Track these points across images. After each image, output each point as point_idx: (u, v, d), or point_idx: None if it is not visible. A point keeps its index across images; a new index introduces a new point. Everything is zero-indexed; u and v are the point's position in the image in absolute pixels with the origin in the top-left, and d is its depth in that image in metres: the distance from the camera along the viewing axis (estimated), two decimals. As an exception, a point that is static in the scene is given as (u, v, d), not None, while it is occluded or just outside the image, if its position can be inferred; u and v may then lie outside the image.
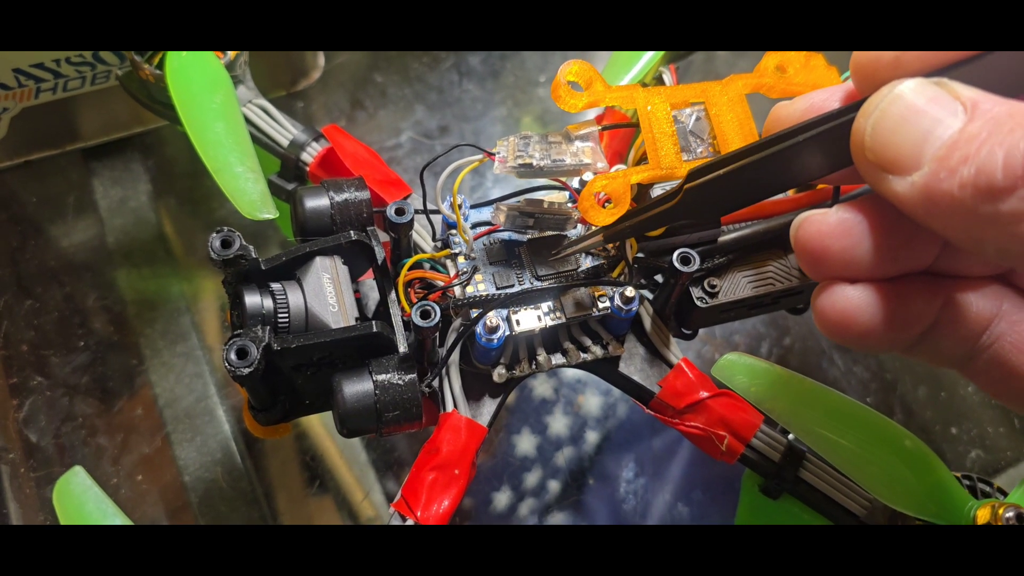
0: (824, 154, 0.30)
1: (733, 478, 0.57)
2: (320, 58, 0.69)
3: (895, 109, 0.27)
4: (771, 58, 0.41)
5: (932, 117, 0.26)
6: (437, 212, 0.44)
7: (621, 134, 0.51)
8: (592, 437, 0.59)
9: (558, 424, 0.59)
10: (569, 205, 0.43)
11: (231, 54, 0.49)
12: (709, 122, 0.40)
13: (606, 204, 0.39)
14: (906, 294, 0.31)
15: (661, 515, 0.57)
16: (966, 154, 0.25)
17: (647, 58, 0.49)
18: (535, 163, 0.39)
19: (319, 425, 0.58)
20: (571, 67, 0.39)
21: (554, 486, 0.57)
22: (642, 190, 0.46)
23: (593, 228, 0.41)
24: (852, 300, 0.30)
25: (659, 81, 0.50)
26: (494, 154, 0.41)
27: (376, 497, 0.56)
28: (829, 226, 0.30)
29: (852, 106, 0.29)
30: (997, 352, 0.32)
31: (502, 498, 0.57)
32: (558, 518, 0.57)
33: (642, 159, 0.41)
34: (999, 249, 0.26)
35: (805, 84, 0.41)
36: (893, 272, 0.31)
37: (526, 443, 0.59)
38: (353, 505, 0.55)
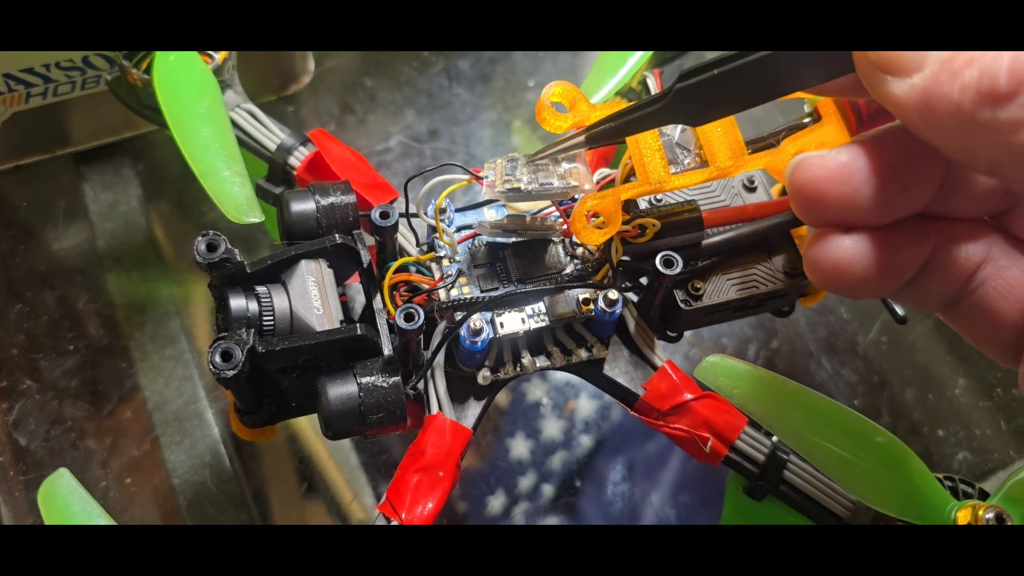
0: (823, 58, 0.29)
1: (721, 481, 0.57)
2: (310, 62, 0.69)
3: None
4: (790, 145, 0.39)
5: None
6: (417, 216, 0.44)
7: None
8: (585, 441, 0.59)
9: (551, 428, 0.59)
10: (552, 219, 0.44)
11: (219, 59, 0.49)
12: (695, 133, 0.40)
13: (600, 225, 0.39)
14: (899, 240, 0.30)
15: (649, 518, 0.57)
16: (971, 56, 0.24)
17: (633, 61, 0.49)
18: (523, 187, 0.40)
19: (308, 427, 0.58)
20: (554, 88, 0.39)
21: (547, 489, 0.58)
22: (629, 203, 0.46)
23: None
24: (846, 251, 0.29)
25: (644, 86, 0.50)
26: (481, 177, 0.41)
27: (366, 500, 0.56)
28: (828, 171, 0.29)
29: None
30: (981, 297, 0.31)
31: (495, 502, 0.57)
32: (551, 521, 0.57)
33: (630, 175, 0.41)
34: (991, 161, 0.25)
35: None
36: (889, 219, 0.30)
37: (519, 447, 0.59)
38: (343, 507, 0.56)
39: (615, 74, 0.49)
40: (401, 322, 0.39)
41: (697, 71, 0.32)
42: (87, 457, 0.54)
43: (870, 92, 0.27)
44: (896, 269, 0.30)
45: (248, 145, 0.49)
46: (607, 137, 0.37)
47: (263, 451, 0.56)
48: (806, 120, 0.43)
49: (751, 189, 0.48)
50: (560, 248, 0.44)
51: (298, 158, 0.49)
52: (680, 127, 0.40)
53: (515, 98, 0.70)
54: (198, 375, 0.58)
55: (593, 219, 0.39)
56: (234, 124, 0.49)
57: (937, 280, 0.31)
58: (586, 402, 0.60)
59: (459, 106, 0.70)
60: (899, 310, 0.48)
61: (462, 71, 0.71)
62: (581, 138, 0.38)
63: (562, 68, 0.72)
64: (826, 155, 0.29)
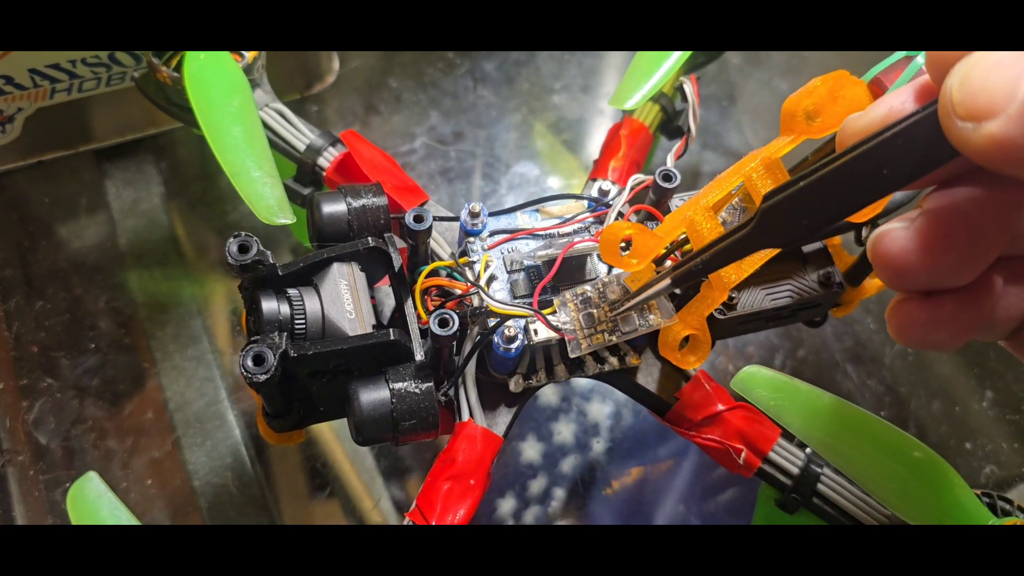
0: (910, 155, 0.27)
1: (740, 485, 0.56)
2: (335, 62, 0.69)
3: (985, 60, 0.25)
4: (796, 104, 0.37)
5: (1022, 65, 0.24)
6: (455, 219, 0.44)
7: (638, 143, 0.51)
8: (598, 445, 0.58)
9: (564, 432, 0.59)
10: (584, 246, 0.43)
11: (249, 57, 0.49)
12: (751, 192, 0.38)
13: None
14: (979, 293, 0.30)
15: (668, 523, 0.57)
16: None
17: (669, 63, 0.49)
18: (606, 339, 0.40)
19: (328, 431, 0.57)
20: (621, 230, 0.38)
21: (559, 494, 0.57)
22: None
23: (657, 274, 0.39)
24: (933, 316, 0.30)
25: (680, 92, 0.50)
26: (560, 329, 0.40)
27: (386, 505, 0.55)
28: (911, 242, 0.29)
29: (934, 101, 0.26)
30: None
31: (507, 505, 0.56)
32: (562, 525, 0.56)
33: (684, 243, 0.41)
34: None
35: (837, 120, 0.37)
36: (974, 276, 0.30)
37: (531, 450, 0.58)
38: (363, 512, 0.55)
39: (650, 77, 0.48)
40: (436, 328, 0.38)
41: (782, 188, 0.30)
42: (107, 457, 0.54)
43: (957, 147, 0.26)
44: (979, 320, 0.31)
45: (277, 145, 0.49)
46: (694, 275, 0.36)
47: (284, 454, 0.56)
48: None
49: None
50: (596, 256, 0.44)
51: (328, 159, 0.48)
52: (738, 198, 0.40)
53: (540, 101, 0.70)
54: (220, 376, 0.57)
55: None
56: (263, 124, 0.48)
57: (1004, 316, 0.31)
58: (599, 406, 0.60)
59: (484, 108, 0.69)
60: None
61: (487, 73, 0.71)
62: (667, 281, 0.37)
63: (587, 71, 0.71)
64: (906, 227, 0.29)
